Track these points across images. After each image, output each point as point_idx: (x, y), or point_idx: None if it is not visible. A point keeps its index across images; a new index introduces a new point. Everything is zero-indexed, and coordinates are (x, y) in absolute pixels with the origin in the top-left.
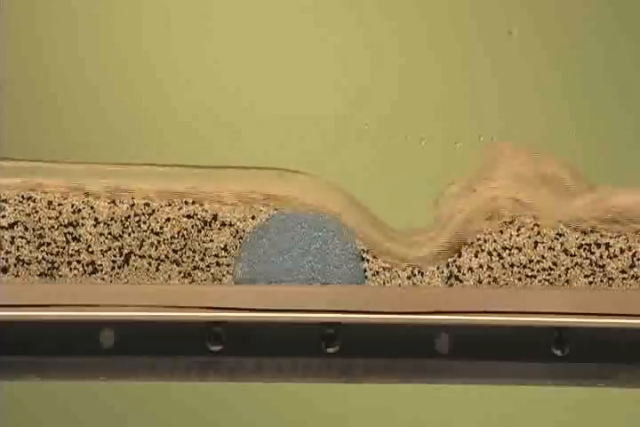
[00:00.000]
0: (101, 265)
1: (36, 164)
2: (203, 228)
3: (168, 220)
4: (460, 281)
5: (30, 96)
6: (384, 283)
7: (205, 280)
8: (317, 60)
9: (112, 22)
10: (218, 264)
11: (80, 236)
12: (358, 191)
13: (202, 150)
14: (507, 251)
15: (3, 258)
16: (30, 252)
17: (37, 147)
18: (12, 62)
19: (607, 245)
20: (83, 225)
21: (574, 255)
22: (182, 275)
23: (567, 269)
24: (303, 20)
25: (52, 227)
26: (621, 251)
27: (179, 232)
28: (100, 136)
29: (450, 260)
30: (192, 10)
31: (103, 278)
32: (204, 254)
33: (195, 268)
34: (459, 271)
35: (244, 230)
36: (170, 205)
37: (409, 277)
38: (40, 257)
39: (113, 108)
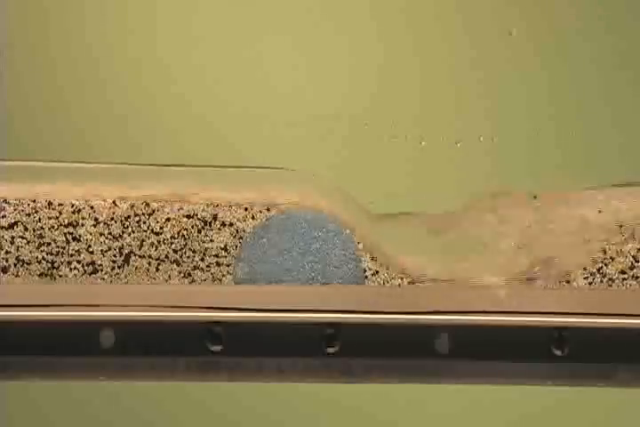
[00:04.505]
0: (101, 265)
1: (39, 163)
2: (203, 228)
3: (168, 220)
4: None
5: (38, 96)
6: (384, 283)
7: (205, 280)
8: (318, 60)
9: (124, 20)
10: (218, 264)
11: (80, 236)
12: (358, 191)
13: (202, 150)
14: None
15: (3, 258)
16: (30, 252)
17: (40, 147)
18: (21, 61)
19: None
20: (83, 225)
21: None
22: (182, 275)
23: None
24: (309, 20)
25: (52, 227)
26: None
27: (179, 232)
28: (108, 135)
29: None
30: (204, 7)
31: (103, 278)
32: (204, 254)
33: (195, 268)
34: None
35: (244, 230)
36: (170, 205)
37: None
38: (40, 257)
39: (124, 107)
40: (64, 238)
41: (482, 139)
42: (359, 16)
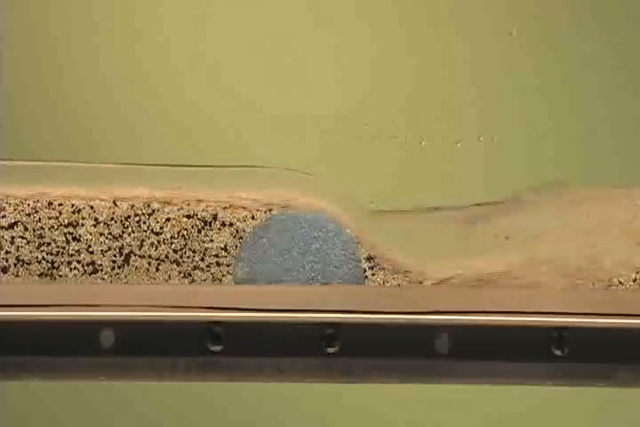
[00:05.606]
0: (101, 265)
1: (39, 163)
2: (203, 228)
3: (168, 220)
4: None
5: (39, 95)
6: (384, 283)
7: (205, 280)
8: (318, 59)
9: (129, 16)
10: (218, 264)
11: (80, 236)
12: (358, 191)
13: (201, 150)
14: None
15: (3, 258)
16: (30, 252)
17: (40, 147)
18: (21, 60)
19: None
20: (83, 225)
21: None
22: (182, 275)
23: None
24: (305, 20)
25: (52, 227)
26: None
27: (179, 232)
28: (109, 135)
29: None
30: (207, 6)
31: (103, 278)
32: (204, 254)
33: (195, 268)
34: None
35: (244, 230)
36: (170, 205)
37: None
38: (40, 257)
39: (125, 107)
40: (64, 238)
41: (482, 139)
42: (359, 16)
